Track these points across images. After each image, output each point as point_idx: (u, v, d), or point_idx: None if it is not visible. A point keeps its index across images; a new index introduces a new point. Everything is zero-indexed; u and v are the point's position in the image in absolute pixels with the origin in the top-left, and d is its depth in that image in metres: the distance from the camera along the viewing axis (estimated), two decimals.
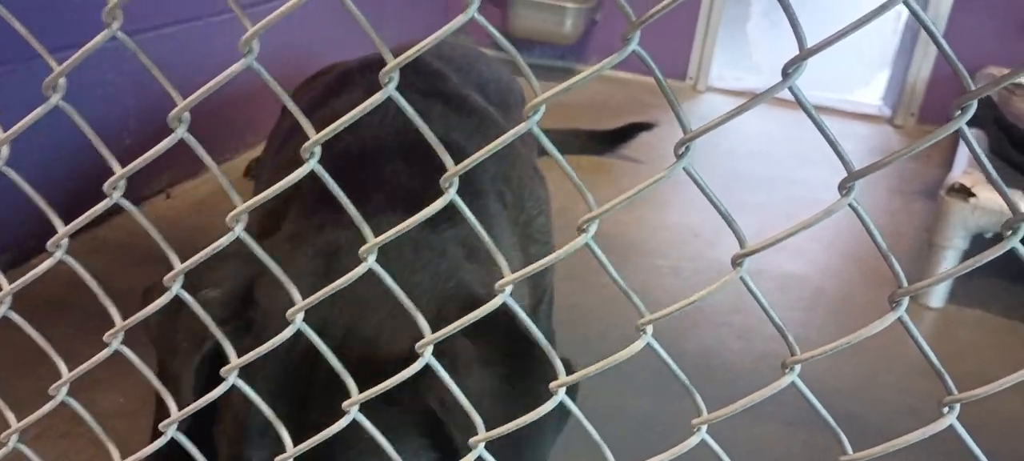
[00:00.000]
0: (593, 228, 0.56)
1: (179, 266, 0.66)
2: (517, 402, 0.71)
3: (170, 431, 0.74)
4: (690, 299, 0.56)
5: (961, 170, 2.06)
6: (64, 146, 1.76)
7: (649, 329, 0.57)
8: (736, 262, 0.54)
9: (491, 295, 0.61)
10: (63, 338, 0.84)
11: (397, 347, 0.79)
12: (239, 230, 0.62)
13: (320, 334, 0.67)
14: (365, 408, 0.67)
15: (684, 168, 0.54)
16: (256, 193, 0.77)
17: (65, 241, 0.69)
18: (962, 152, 2.26)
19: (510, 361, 0.82)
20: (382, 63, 0.56)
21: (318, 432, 0.68)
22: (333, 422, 0.67)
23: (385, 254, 0.62)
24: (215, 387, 0.71)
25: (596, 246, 0.57)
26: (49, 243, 0.71)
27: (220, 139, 2.26)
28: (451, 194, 0.57)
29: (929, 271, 2.04)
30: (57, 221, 0.71)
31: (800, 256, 2.23)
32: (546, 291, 1.33)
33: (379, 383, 0.66)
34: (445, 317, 0.76)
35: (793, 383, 0.57)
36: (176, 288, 0.66)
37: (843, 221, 2.57)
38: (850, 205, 0.52)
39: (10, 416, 0.85)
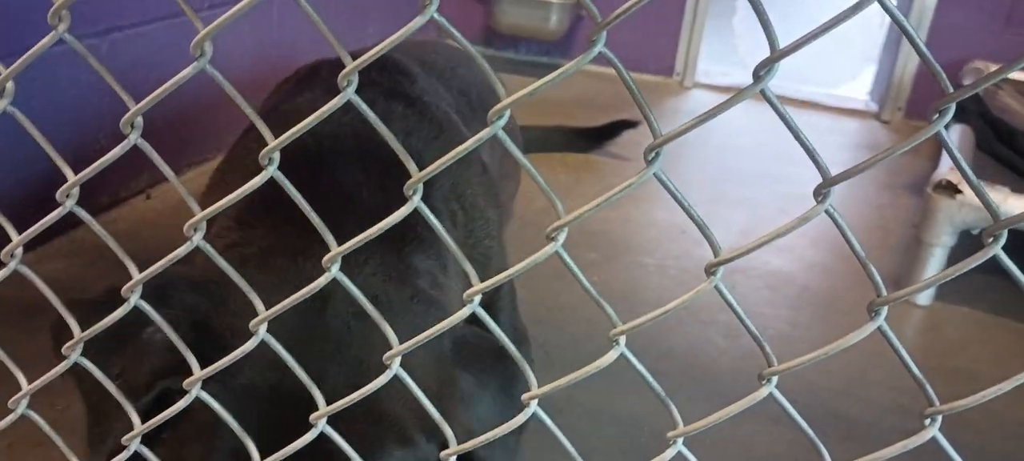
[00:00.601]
0: (562, 236, 0.54)
1: (137, 276, 0.63)
2: (508, 410, 0.74)
3: (133, 445, 0.71)
4: (665, 308, 0.54)
5: (948, 166, 2.05)
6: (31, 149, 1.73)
7: (622, 340, 0.55)
8: (710, 270, 0.52)
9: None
10: (43, 345, 0.82)
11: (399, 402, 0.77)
12: (197, 239, 0.59)
13: (318, 383, 0.65)
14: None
15: (655, 174, 0.51)
16: (210, 199, 0.74)
17: (19, 251, 0.67)
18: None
19: (500, 373, 0.84)
20: (354, 58, 0.53)
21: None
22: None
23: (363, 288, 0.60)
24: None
25: (565, 254, 0.55)
26: (3, 252, 0.68)
27: (197, 141, 2.23)
28: (416, 201, 0.55)
29: (917, 268, 2.03)
30: (11, 229, 0.68)
31: (786, 253, 2.21)
32: (503, 296, 1.30)
33: (381, 434, 0.68)
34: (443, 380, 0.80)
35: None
36: (134, 299, 0.64)
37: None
38: (826, 211, 0.50)
39: None
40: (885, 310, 0.50)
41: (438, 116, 1.21)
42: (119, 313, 0.63)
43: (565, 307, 1.83)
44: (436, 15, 0.48)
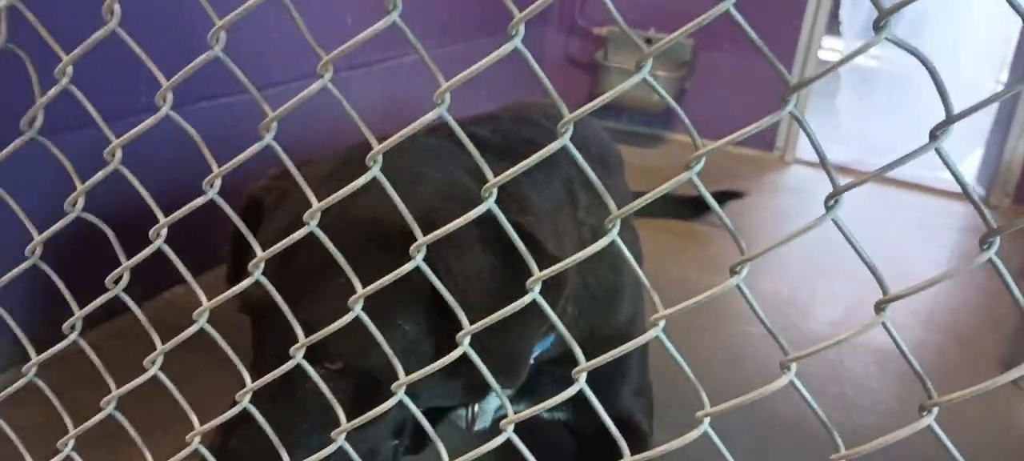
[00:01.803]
0: (745, 271, 0.61)
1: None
2: (514, 281, 0.79)
3: (202, 320, 0.81)
4: (837, 337, 0.60)
5: None
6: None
7: (793, 367, 0.62)
8: (880, 307, 0.59)
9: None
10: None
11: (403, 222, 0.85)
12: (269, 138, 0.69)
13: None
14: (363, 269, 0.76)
15: (832, 219, 0.59)
16: None
17: (79, 323, 0.79)
18: None
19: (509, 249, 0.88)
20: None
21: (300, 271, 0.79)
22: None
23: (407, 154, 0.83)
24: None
25: (746, 288, 0.62)
26: (65, 326, 0.81)
27: None
28: (614, 234, 0.64)
29: None
30: (74, 303, 0.81)
31: (896, 330, 2.21)
32: (628, 367, 1.38)
33: (387, 247, 0.81)
34: (444, 208, 0.93)
35: None
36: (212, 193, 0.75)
37: (941, 297, 2.54)
38: (883, 325, 0.56)
39: None
40: (936, 411, 0.55)
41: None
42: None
43: (678, 370, 1.87)
44: (520, 45, 0.57)
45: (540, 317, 0.88)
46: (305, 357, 0.79)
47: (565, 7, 3.92)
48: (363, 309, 0.76)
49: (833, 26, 3.92)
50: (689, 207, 2.76)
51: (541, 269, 0.67)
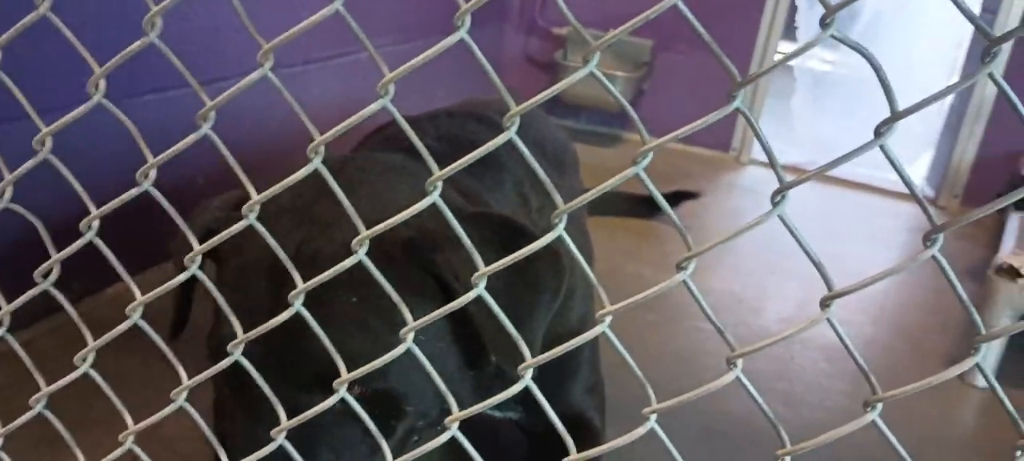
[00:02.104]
0: (691, 267, 0.61)
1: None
2: (517, 276, 0.83)
3: (136, 315, 0.78)
4: (783, 334, 0.60)
5: (1009, 250, 2.08)
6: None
7: (739, 363, 0.62)
8: (825, 304, 0.59)
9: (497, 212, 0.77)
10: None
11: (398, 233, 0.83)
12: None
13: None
14: (370, 286, 0.75)
15: (779, 216, 0.58)
16: None
17: (7, 319, 0.78)
18: (1009, 232, 2.28)
19: (506, 242, 0.87)
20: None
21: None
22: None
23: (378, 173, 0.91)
24: None
25: (692, 284, 0.62)
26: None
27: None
28: (560, 230, 0.63)
29: None
30: (0, 299, 0.79)
31: (846, 327, 2.21)
32: (578, 365, 1.38)
33: (388, 260, 0.79)
34: (439, 226, 0.88)
35: None
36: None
37: (890, 295, 2.58)
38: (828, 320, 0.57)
39: None
40: (880, 407, 0.56)
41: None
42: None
43: (626, 365, 1.88)
44: (466, 36, 0.56)
45: (548, 303, 0.94)
46: (324, 388, 0.79)
47: (525, 7, 3.91)
48: (384, 329, 0.82)
49: (790, 30, 3.96)
50: (645, 205, 2.77)
51: (540, 260, 0.67)
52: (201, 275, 0.74)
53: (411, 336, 0.71)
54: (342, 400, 0.77)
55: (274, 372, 0.79)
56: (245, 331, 0.75)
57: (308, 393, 0.86)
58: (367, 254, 0.85)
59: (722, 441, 1.67)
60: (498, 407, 1.25)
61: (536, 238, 0.66)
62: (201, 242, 0.89)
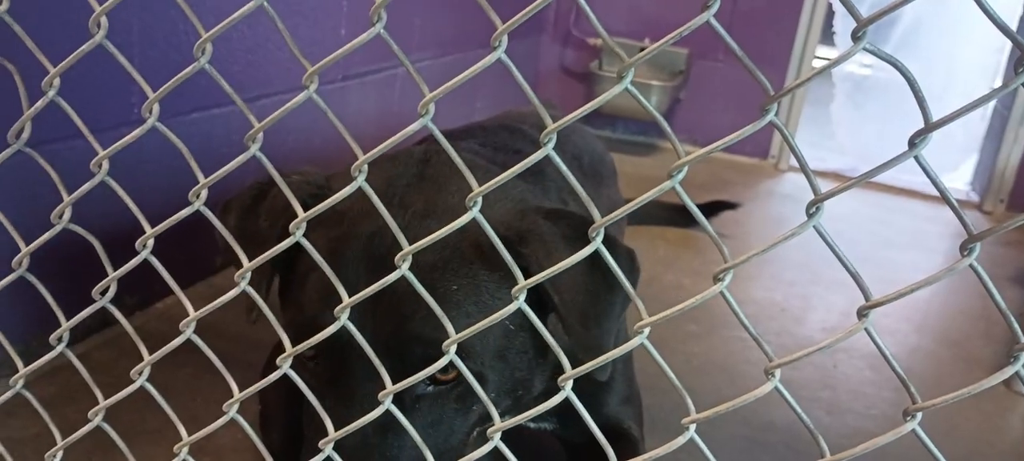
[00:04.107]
0: (728, 278, 0.61)
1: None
2: (594, 270, 0.88)
3: (189, 331, 0.80)
4: (821, 344, 0.60)
5: None
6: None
7: (777, 373, 0.62)
8: (862, 313, 0.59)
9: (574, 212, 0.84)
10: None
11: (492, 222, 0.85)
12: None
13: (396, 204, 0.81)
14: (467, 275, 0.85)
15: (815, 227, 0.59)
16: None
17: (66, 334, 0.80)
18: None
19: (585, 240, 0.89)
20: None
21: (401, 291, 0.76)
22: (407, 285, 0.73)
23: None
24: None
25: (730, 295, 0.62)
26: (52, 337, 0.82)
27: None
28: (597, 243, 0.64)
29: None
30: (61, 314, 0.82)
31: (890, 336, 2.22)
32: (611, 377, 1.38)
33: (478, 254, 0.86)
34: (525, 214, 0.97)
35: None
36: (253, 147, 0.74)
37: (934, 302, 2.54)
38: (866, 330, 0.56)
39: None
40: (919, 416, 0.56)
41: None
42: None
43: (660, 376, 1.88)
44: (503, 57, 0.58)
45: (622, 302, 0.97)
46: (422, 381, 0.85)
47: (560, 18, 3.93)
48: (477, 315, 0.85)
49: (827, 36, 3.92)
50: (684, 215, 2.77)
51: (618, 258, 0.69)
52: (306, 243, 0.74)
53: (522, 296, 0.72)
54: (435, 381, 0.86)
55: (381, 357, 0.79)
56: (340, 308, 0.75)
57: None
58: (469, 251, 0.92)
59: (765, 452, 1.66)
60: (534, 419, 1.27)
61: (612, 238, 0.69)
62: (277, 218, 0.94)
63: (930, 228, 3.18)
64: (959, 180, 3.74)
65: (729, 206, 2.80)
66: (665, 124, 0.61)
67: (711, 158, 3.73)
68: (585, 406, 0.72)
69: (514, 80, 0.61)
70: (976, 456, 1.72)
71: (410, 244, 0.70)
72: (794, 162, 3.71)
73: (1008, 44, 3.75)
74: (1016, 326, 0.57)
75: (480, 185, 0.66)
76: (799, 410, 0.64)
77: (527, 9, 0.60)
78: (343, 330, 0.76)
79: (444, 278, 0.91)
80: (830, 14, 3.80)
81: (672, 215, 2.76)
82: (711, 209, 2.79)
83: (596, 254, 0.70)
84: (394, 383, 0.77)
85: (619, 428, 1.35)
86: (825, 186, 0.56)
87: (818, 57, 3.69)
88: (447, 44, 3.00)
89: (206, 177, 0.72)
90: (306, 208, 0.73)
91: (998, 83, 4.37)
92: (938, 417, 1.76)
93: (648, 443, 1.44)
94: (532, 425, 1.33)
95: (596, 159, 1.84)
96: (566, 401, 0.70)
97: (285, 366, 0.75)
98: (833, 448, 0.66)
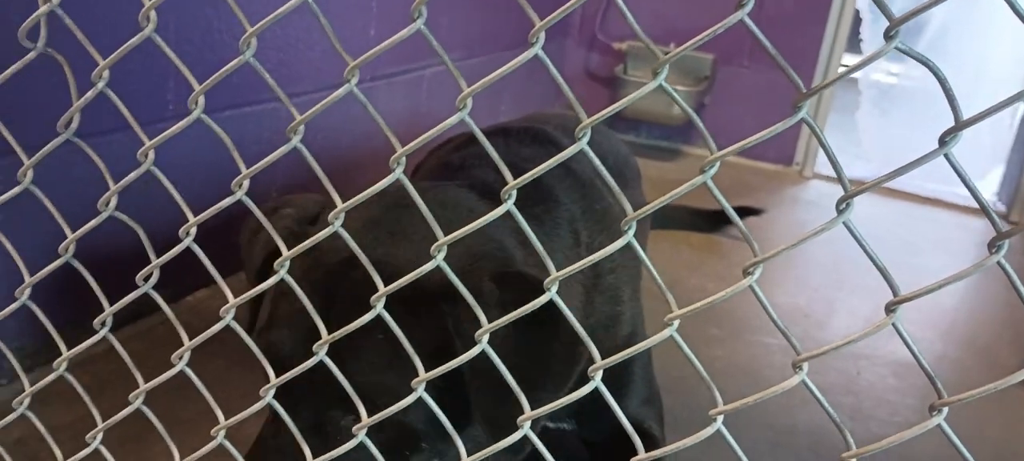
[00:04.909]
0: (758, 272, 0.63)
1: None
2: (527, 346, 0.84)
3: (229, 317, 0.83)
4: (850, 338, 0.61)
5: None
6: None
7: (805, 366, 0.63)
8: (890, 309, 0.60)
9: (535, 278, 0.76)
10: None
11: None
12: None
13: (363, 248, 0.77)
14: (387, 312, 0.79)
15: (844, 223, 0.60)
16: None
17: (109, 319, 0.82)
18: None
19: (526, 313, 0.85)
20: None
21: (340, 325, 0.78)
22: (354, 319, 0.77)
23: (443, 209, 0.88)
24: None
25: (759, 290, 0.64)
26: (95, 322, 0.84)
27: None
28: (629, 236, 0.65)
29: None
30: (104, 300, 0.84)
31: (916, 343, 2.21)
32: (631, 378, 1.39)
33: (402, 298, 0.77)
34: (472, 269, 0.92)
35: None
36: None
37: (961, 310, 2.53)
38: (893, 325, 0.57)
39: None
40: (945, 411, 0.56)
41: (582, 177, 1.37)
42: None
43: (689, 378, 1.88)
44: (541, 53, 0.59)
45: (553, 389, 0.87)
46: (347, 409, 0.87)
47: (585, 22, 3.94)
48: (394, 370, 0.85)
49: (854, 43, 3.91)
50: (707, 219, 2.77)
51: (560, 341, 0.68)
52: (289, 279, 0.78)
53: (421, 386, 0.77)
54: (364, 427, 0.82)
55: (309, 383, 0.85)
56: (292, 337, 0.86)
57: (336, 410, 0.94)
58: (396, 301, 0.81)
59: (789, 455, 1.66)
60: (550, 418, 1.28)
61: (560, 321, 0.69)
62: (272, 251, 0.96)
63: (956, 235, 3.16)
64: (986, 190, 3.71)
65: (753, 212, 2.80)
66: (698, 120, 0.63)
67: (735, 163, 3.73)
68: (604, 408, 0.73)
69: (540, 81, 0.63)
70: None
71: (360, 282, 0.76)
72: (818, 169, 3.70)
73: None
74: (935, 380, 0.58)
75: (461, 223, 0.69)
76: (824, 401, 0.65)
77: (563, 8, 0.61)
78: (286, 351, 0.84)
79: (379, 328, 0.86)
80: (857, 21, 3.78)
81: (696, 219, 2.76)
82: (736, 215, 2.78)
83: (535, 324, 0.71)
84: (318, 415, 0.87)
85: (640, 427, 1.36)
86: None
87: (844, 65, 3.67)
88: (474, 45, 3.03)
89: (247, 168, 0.74)
90: (289, 244, 0.79)
91: None
92: (963, 422, 1.76)
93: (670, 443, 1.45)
94: (551, 425, 1.34)
95: (621, 161, 1.86)
96: (584, 400, 0.71)
97: (268, 397, 0.78)
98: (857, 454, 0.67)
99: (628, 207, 0.67)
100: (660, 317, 0.71)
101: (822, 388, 0.62)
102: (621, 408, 1.40)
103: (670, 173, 3.54)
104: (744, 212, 2.79)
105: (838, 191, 0.62)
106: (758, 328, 2.23)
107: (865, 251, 0.60)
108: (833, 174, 3.69)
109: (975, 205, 3.46)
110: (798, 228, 3.13)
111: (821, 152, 3.66)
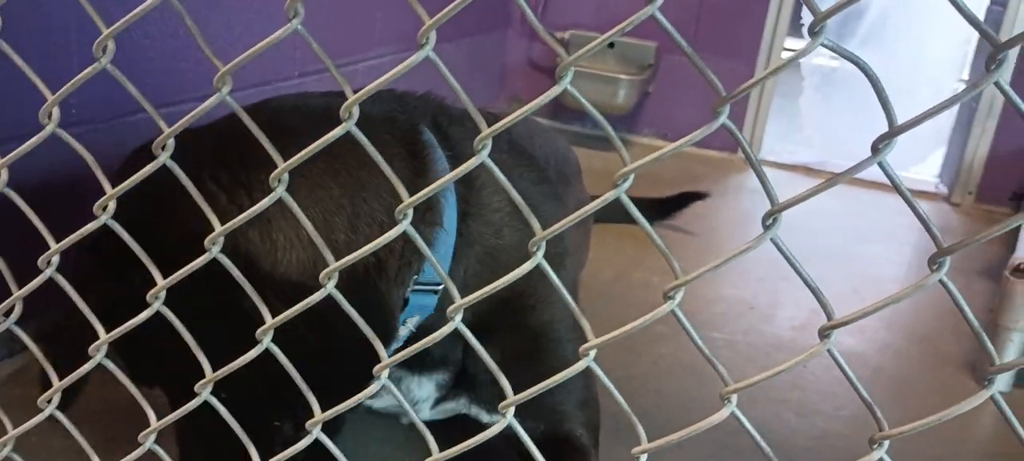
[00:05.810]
0: (679, 296, 0.56)
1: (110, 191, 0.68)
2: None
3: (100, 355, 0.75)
4: (778, 368, 0.56)
5: None
6: None
7: (734, 399, 0.57)
8: (824, 334, 0.54)
9: None
10: None
11: None
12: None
13: None
14: None
15: (771, 239, 0.54)
16: None
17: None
18: None
19: None
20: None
21: None
22: None
23: None
24: None
25: (680, 312, 0.58)
26: None
27: None
28: (539, 257, 0.59)
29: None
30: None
31: (858, 333, 2.19)
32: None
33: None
34: None
35: None
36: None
37: (906, 301, 2.53)
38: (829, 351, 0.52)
39: None
40: (887, 443, 0.51)
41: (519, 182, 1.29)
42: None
43: (635, 378, 1.83)
44: (431, 54, 0.53)
45: None
46: None
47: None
48: None
49: (795, 27, 3.90)
50: (651, 210, 2.72)
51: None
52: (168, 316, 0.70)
53: None
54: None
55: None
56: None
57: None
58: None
59: (737, 457, 1.62)
60: (442, 407, 1.25)
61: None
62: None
63: (902, 220, 3.16)
64: (927, 172, 3.73)
65: (698, 197, 2.75)
66: (611, 133, 0.56)
67: (681, 151, 3.69)
68: (536, 403, 0.67)
69: (485, 73, 0.56)
70: (949, 455, 1.69)
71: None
72: (764, 155, 3.69)
73: (975, 35, 3.75)
74: (989, 344, 0.53)
75: None
76: (757, 435, 0.60)
77: (450, 7, 0.54)
78: None
79: None
80: (798, 5, 3.77)
81: (639, 210, 2.71)
82: (680, 201, 2.75)
83: None
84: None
85: (569, 436, 1.29)
86: (794, 179, 0.52)
87: (787, 49, 3.66)
88: (409, 39, 2.94)
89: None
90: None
91: (966, 75, 4.38)
92: (908, 415, 1.74)
93: (606, 451, 1.39)
94: (440, 417, 1.28)
95: (561, 160, 1.80)
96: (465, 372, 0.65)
97: (205, 393, 0.69)
98: (804, 451, 0.61)
99: (537, 225, 0.60)
100: (604, 314, 0.64)
101: (767, 384, 0.56)
102: (553, 404, 1.34)
103: (615, 164, 3.48)
104: (689, 198, 2.75)
105: (784, 178, 0.56)
106: (705, 323, 2.19)
107: (796, 271, 0.54)
108: (779, 160, 3.65)
109: (920, 189, 3.48)
110: (743, 217, 3.11)
111: (767, 136, 3.65)
